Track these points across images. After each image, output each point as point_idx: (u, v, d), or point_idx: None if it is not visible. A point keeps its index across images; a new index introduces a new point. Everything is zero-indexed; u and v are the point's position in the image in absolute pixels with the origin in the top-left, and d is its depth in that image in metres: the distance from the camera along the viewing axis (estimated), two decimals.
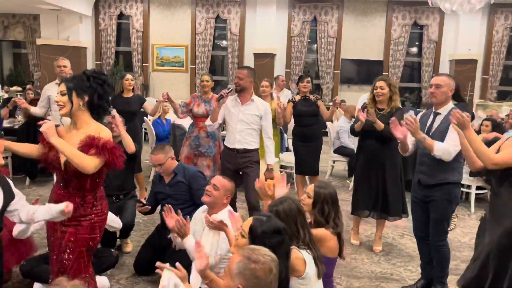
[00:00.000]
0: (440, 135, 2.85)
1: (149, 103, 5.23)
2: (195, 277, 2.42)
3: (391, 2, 10.41)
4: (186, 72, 10.91)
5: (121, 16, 10.85)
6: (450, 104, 2.93)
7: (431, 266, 3.12)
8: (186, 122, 5.51)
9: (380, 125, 3.56)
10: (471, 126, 2.40)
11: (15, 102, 4.85)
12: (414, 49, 11.07)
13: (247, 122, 3.78)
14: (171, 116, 6.70)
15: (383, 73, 10.57)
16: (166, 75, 10.96)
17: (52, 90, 4.55)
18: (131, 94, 5.06)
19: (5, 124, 5.98)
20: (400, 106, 3.79)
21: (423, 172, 2.97)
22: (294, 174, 5.21)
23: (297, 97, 4.85)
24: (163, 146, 3.35)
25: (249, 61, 10.69)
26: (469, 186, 5.13)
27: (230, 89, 3.80)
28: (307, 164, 4.85)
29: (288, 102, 4.88)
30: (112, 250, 3.29)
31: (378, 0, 10.44)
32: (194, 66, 10.83)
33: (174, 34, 10.83)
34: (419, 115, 3.14)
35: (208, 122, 3.95)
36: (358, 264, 3.60)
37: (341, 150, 6.25)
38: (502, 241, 2.21)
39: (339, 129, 6.18)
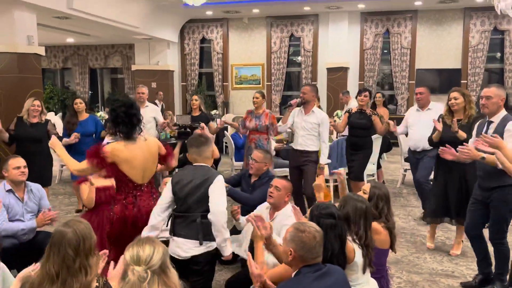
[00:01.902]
0: None
1: (214, 124, 5.82)
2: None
3: (467, 9, 10.20)
4: (263, 89, 11.57)
5: (203, 40, 11.88)
6: (503, 112, 3.08)
7: (486, 262, 3.27)
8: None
9: (462, 134, 3.66)
10: None
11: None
12: (496, 55, 10.66)
13: (308, 129, 4.49)
14: None
15: (462, 81, 10.34)
16: (244, 92, 11.72)
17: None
18: (197, 113, 5.68)
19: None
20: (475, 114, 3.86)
21: (481, 176, 3.15)
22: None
23: (354, 109, 5.18)
24: (267, 152, 4.05)
25: (322, 76, 11.09)
26: None
27: (296, 100, 4.53)
28: (353, 169, 5.15)
29: (345, 112, 5.23)
30: None
31: (453, 8, 10.29)
32: (270, 83, 11.47)
33: (251, 54, 11.59)
34: (476, 124, 3.31)
35: (279, 123, 4.79)
36: (420, 262, 3.80)
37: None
38: None
39: None
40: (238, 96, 11.79)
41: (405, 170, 6.68)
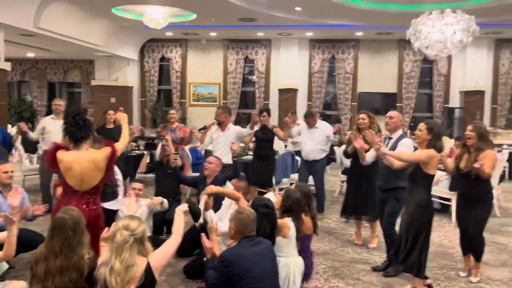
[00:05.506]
0: None
1: None
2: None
3: (402, 41, 11.50)
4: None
5: (162, 59, 12.49)
6: (400, 131, 4.05)
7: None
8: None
9: (365, 146, 4.56)
10: None
11: (19, 126, 5.62)
12: (425, 82, 12.03)
13: (226, 143, 5.45)
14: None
15: (397, 105, 11.56)
16: (201, 109, 12.40)
17: (48, 123, 5.99)
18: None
19: None
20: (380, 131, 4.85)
21: (381, 179, 4.06)
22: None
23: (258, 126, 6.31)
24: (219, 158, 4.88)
25: (274, 96, 12.00)
26: (448, 199, 6.06)
27: (211, 124, 5.50)
28: (264, 178, 6.16)
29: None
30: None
31: (390, 39, 11.57)
32: (226, 101, 12.23)
33: (208, 73, 12.33)
34: (382, 137, 4.22)
35: (198, 144, 5.90)
36: (344, 254, 4.65)
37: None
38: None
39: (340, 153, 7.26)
40: (195, 112, 12.43)
41: (342, 182, 7.60)
